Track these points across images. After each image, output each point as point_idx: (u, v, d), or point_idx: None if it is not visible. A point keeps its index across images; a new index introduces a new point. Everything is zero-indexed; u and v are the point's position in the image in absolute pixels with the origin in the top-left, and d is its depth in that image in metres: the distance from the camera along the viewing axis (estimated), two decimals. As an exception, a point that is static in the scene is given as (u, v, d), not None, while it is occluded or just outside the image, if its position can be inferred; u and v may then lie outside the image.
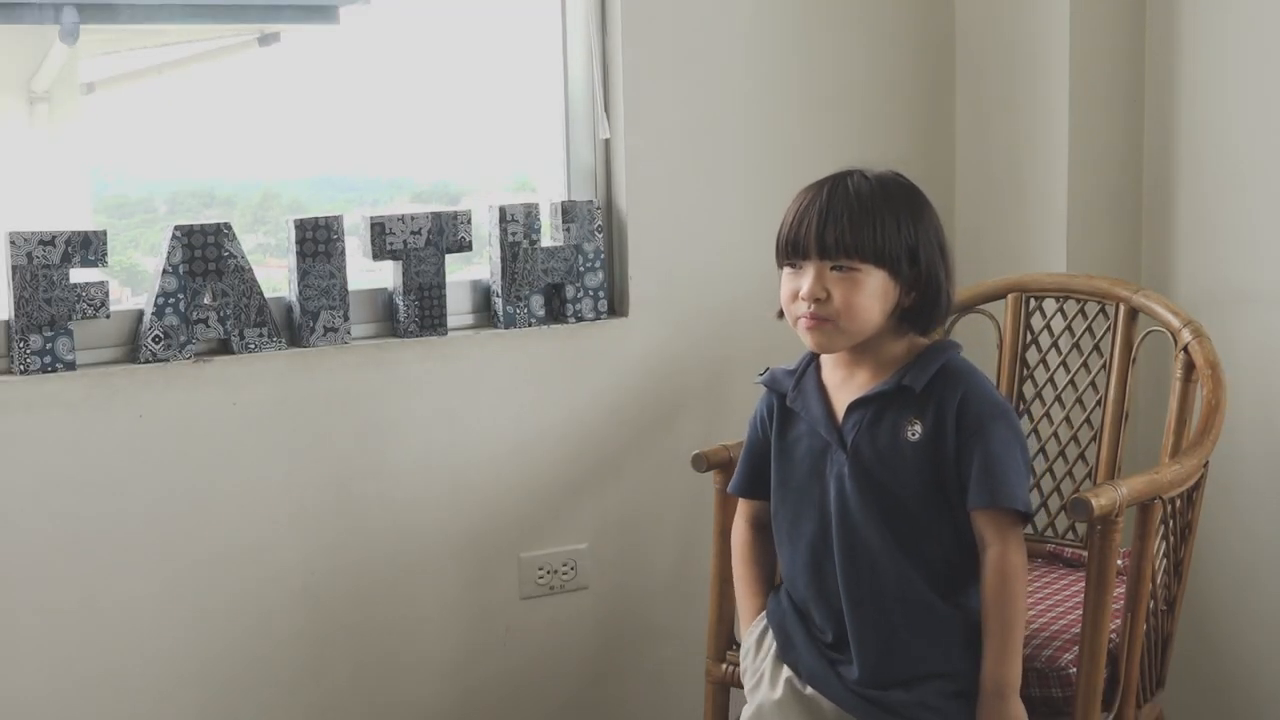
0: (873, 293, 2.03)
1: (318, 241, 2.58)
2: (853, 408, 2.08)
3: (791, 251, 2.06)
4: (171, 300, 2.48)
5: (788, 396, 2.16)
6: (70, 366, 2.41)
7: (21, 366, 2.38)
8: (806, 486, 2.12)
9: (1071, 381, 2.61)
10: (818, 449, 2.11)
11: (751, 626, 2.20)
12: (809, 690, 2.09)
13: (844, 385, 2.11)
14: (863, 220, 2.02)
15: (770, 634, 2.17)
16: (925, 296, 2.06)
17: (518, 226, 2.74)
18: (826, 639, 2.11)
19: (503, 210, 2.73)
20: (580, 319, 2.80)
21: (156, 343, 2.47)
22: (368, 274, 2.73)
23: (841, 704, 2.07)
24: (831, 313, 2.03)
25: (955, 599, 2.07)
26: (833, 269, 2.03)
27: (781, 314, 2.15)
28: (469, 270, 2.87)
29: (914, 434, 2.05)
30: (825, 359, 2.15)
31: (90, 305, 2.42)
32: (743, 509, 2.27)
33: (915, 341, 2.10)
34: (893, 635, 2.06)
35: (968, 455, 2.02)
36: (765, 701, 2.13)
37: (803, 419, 2.14)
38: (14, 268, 2.36)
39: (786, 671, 2.13)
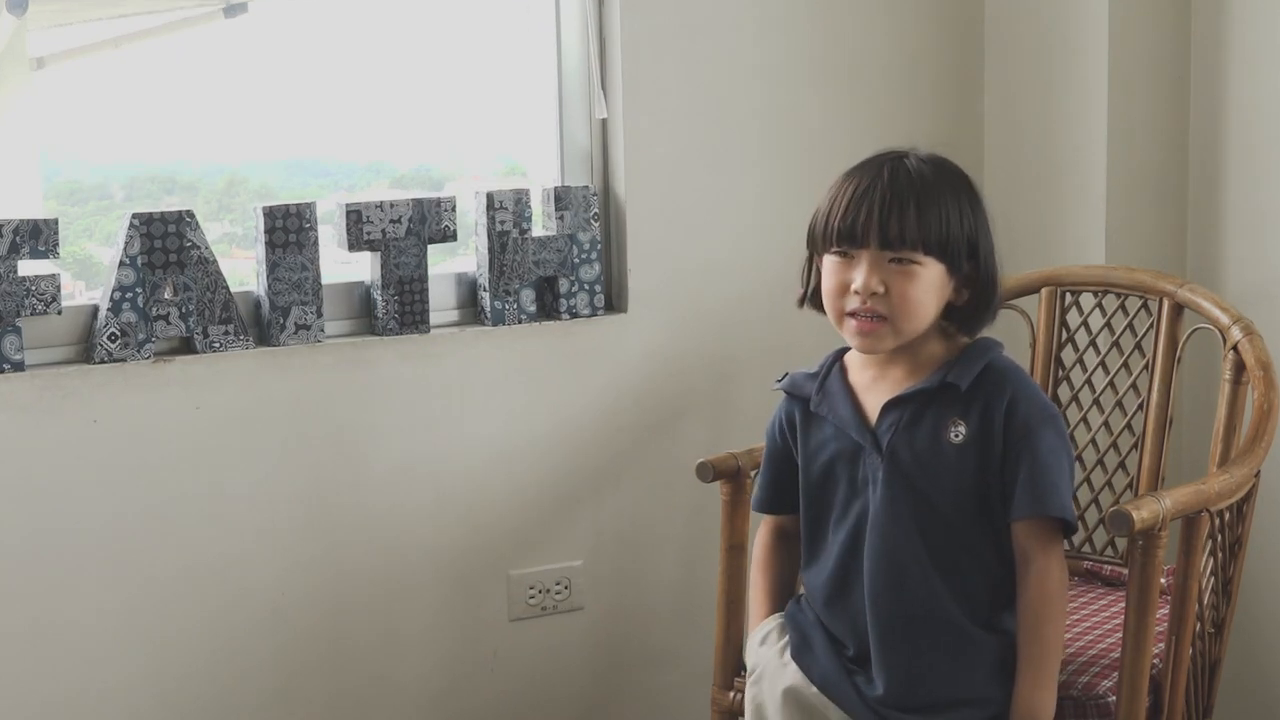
0: (929, 288, 2.03)
1: (288, 231, 2.58)
2: (889, 407, 2.09)
3: (845, 239, 2.04)
4: (129, 295, 2.48)
5: (811, 400, 2.16)
6: (19, 367, 2.41)
7: (-35, 367, 2.39)
8: (836, 495, 2.12)
9: (1111, 383, 2.60)
10: (847, 453, 2.11)
11: (761, 624, 2.21)
12: (813, 689, 2.10)
13: (874, 385, 2.12)
14: (928, 207, 2.02)
15: (783, 633, 2.18)
16: (980, 294, 2.07)
17: (506, 214, 2.73)
18: (849, 653, 2.12)
19: (490, 197, 2.72)
20: (575, 315, 2.80)
21: (113, 341, 2.47)
22: (343, 266, 2.73)
23: (856, 718, 2.08)
24: (888, 309, 2.03)
25: (991, 621, 2.07)
26: (890, 261, 2.03)
27: (803, 302, 2.15)
28: (453, 262, 2.87)
29: (957, 435, 2.05)
30: (852, 359, 2.15)
31: (40, 300, 2.41)
32: (768, 521, 2.28)
33: (955, 340, 2.11)
34: (919, 657, 2.06)
35: (1014, 461, 2.03)
36: (770, 665, 2.14)
37: (829, 423, 2.14)
38: (-43, 259, 2.37)
39: (794, 673, 2.12)
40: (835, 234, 2.05)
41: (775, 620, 2.20)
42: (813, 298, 2.15)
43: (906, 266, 2.02)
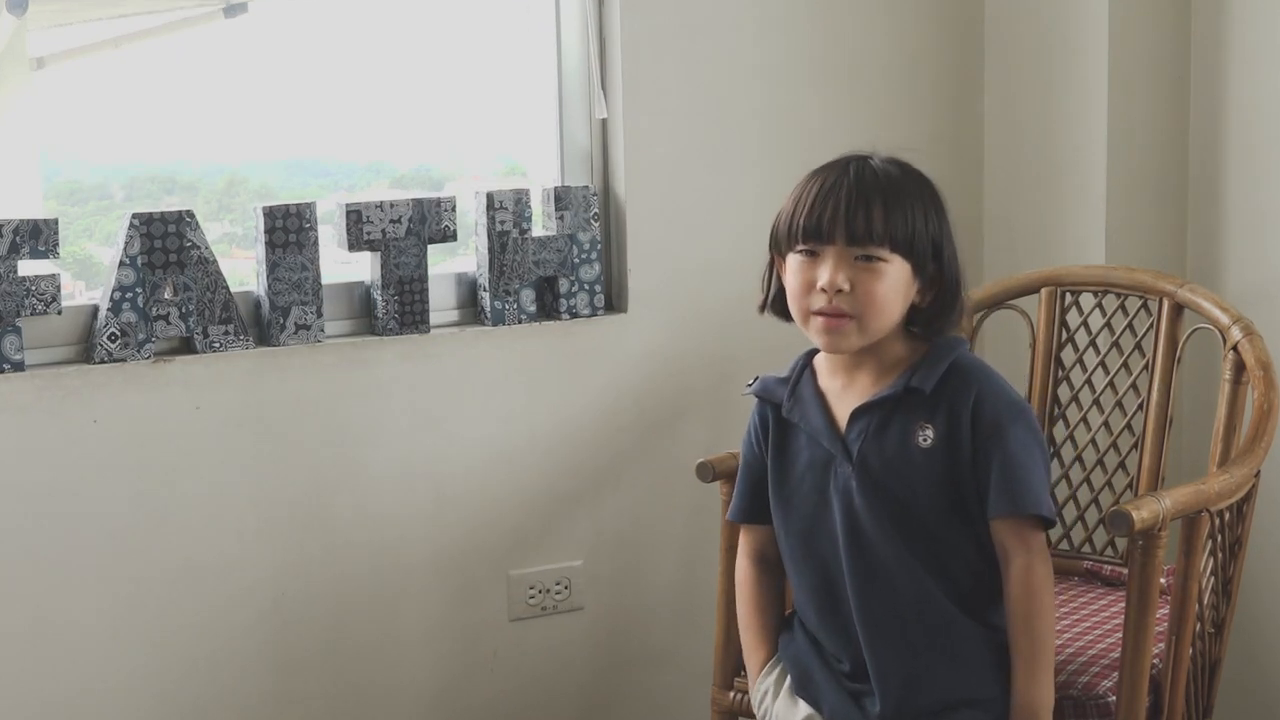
0: (895, 286, 2.03)
1: (288, 231, 2.58)
2: (857, 415, 2.08)
3: (811, 236, 2.04)
4: (129, 295, 2.48)
5: (783, 406, 2.16)
6: (19, 367, 2.41)
7: (-35, 367, 2.39)
8: (811, 504, 2.12)
9: (1111, 383, 2.61)
10: (820, 462, 2.11)
11: (764, 673, 2.20)
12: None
13: (845, 391, 2.11)
14: (895, 206, 2.01)
15: (785, 675, 2.17)
16: (943, 297, 2.07)
17: (506, 214, 2.74)
18: (844, 669, 2.12)
19: (490, 197, 2.73)
20: (575, 315, 2.81)
21: (113, 341, 2.47)
22: (343, 266, 2.73)
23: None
24: (854, 308, 2.02)
25: (983, 617, 2.07)
26: (856, 258, 2.02)
27: (764, 307, 2.15)
28: (453, 262, 2.87)
29: (925, 439, 2.05)
30: (821, 363, 2.15)
31: (40, 300, 2.42)
32: (745, 542, 2.26)
33: (919, 341, 2.10)
34: (915, 661, 2.06)
35: (985, 460, 2.03)
36: (784, 714, 2.13)
37: (802, 430, 2.13)
38: (-43, 259, 2.37)
39: (805, 709, 2.13)
40: (800, 231, 2.04)
41: (775, 668, 2.19)
42: (774, 304, 2.14)
43: (873, 264, 2.02)
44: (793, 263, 2.07)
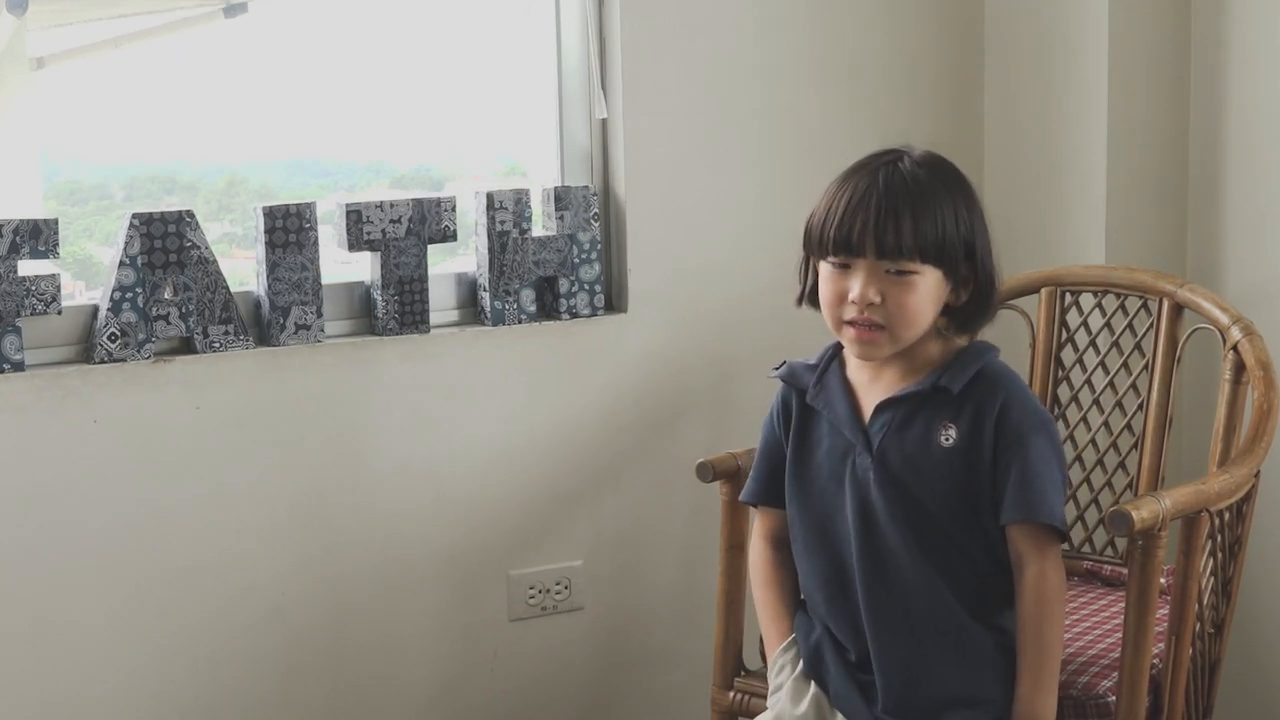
0: (927, 295, 2.03)
1: (288, 231, 2.58)
2: (881, 408, 2.09)
3: (841, 249, 2.03)
4: (129, 295, 2.48)
5: (808, 393, 2.16)
6: (19, 367, 2.41)
7: (-35, 367, 2.39)
8: (827, 492, 2.12)
9: (1111, 383, 2.61)
10: (840, 451, 2.11)
11: (783, 648, 2.19)
12: (838, 718, 2.11)
13: (872, 384, 2.12)
14: (925, 214, 2.01)
15: (800, 655, 2.17)
16: (978, 294, 2.07)
17: (506, 214, 2.74)
18: (851, 658, 2.12)
19: (490, 197, 2.73)
20: (575, 315, 2.81)
21: (113, 341, 2.48)
22: (343, 266, 2.74)
23: (866, 728, 2.08)
24: (886, 319, 2.02)
25: (989, 619, 2.08)
26: (887, 271, 2.02)
27: (801, 300, 2.15)
28: (453, 262, 2.87)
29: (947, 439, 2.05)
30: (850, 355, 2.14)
31: (40, 300, 2.42)
32: (760, 525, 2.26)
33: (951, 342, 2.11)
34: (920, 658, 2.06)
35: (1005, 467, 2.03)
36: (786, 714, 2.13)
37: (825, 418, 2.14)
38: (-43, 259, 2.37)
39: (813, 689, 2.13)
40: (831, 243, 2.04)
41: (794, 646, 2.18)
42: (810, 296, 2.14)
43: (904, 277, 2.02)
44: (824, 271, 2.07)
